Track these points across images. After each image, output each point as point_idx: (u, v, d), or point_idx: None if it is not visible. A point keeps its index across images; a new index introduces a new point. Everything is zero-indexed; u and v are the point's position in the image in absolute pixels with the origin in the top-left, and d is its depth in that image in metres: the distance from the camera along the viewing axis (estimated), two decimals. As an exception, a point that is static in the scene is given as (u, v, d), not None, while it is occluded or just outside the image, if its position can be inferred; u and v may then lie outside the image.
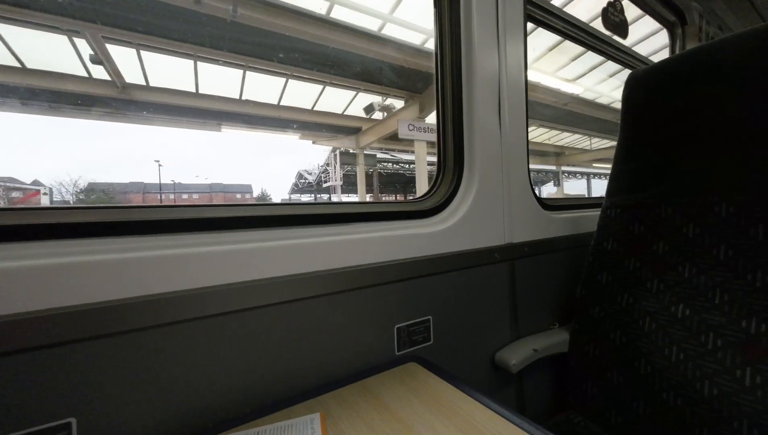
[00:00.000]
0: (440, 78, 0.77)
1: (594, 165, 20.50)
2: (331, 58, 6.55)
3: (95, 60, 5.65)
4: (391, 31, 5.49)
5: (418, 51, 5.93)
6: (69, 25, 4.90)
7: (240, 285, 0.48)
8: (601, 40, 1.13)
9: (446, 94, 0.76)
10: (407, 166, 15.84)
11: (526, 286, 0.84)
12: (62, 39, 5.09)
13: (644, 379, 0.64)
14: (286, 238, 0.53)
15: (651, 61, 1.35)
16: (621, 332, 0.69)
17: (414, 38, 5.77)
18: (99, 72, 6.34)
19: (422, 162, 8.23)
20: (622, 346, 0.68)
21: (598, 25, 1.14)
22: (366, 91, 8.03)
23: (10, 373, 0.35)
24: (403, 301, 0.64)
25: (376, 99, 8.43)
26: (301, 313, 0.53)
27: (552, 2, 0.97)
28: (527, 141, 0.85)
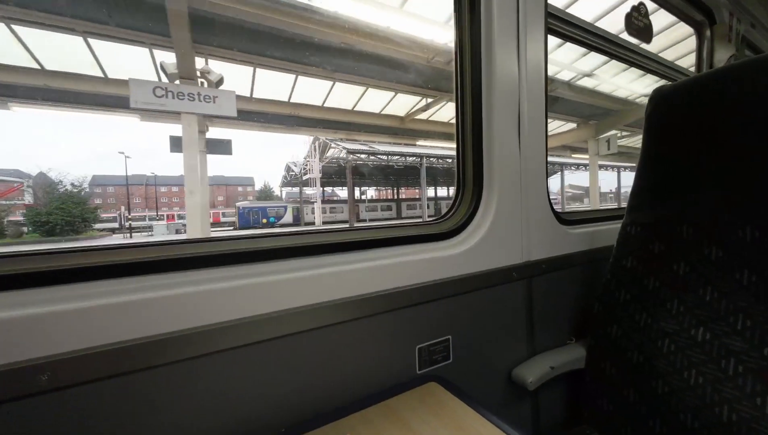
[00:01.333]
0: (460, 96, 0.78)
1: (573, 156, 17.83)
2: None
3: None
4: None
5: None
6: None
7: (273, 314, 0.52)
8: (626, 48, 1.12)
9: (466, 113, 0.78)
10: (386, 157, 15.18)
11: (543, 302, 0.86)
12: None
13: (661, 399, 0.65)
14: (315, 268, 0.56)
15: (677, 66, 1.32)
16: (638, 351, 0.71)
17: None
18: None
19: (192, 147, 4.86)
20: (639, 365, 0.70)
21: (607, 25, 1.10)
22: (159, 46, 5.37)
23: (75, 403, 0.40)
24: (424, 322, 0.67)
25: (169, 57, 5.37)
26: (329, 338, 0.57)
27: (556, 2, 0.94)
28: (546, 156, 0.86)
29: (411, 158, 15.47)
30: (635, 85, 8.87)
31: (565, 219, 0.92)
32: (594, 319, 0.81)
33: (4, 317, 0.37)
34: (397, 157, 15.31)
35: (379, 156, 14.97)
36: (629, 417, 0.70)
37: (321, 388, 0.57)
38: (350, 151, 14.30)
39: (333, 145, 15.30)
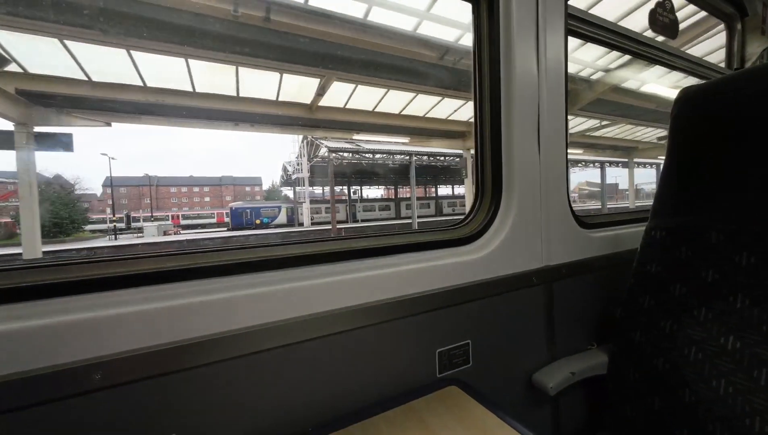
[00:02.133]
0: (479, 100, 0.80)
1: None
2: None
3: None
4: None
5: None
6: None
7: (300, 318, 0.56)
8: (649, 46, 1.12)
9: (484, 117, 0.79)
10: (371, 156, 15.17)
11: (564, 307, 0.87)
12: None
13: (688, 408, 0.65)
14: (340, 274, 0.60)
15: (705, 62, 1.31)
16: (664, 359, 0.71)
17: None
18: None
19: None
20: (664, 373, 0.70)
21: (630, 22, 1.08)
22: None
23: (127, 399, 0.45)
24: (444, 327, 0.70)
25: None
26: (353, 342, 0.61)
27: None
28: (566, 158, 0.87)
29: (399, 156, 15.44)
30: (582, 55, 6.63)
31: (586, 222, 0.93)
32: (616, 325, 0.82)
33: (61, 321, 0.42)
34: (382, 156, 15.31)
35: (363, 154, 14.99)
36: (653, 425, 0.71)
37: (345, 389, 0.61)
38: (332, 150, 14.53)
39: (318, 143, 15.56)
